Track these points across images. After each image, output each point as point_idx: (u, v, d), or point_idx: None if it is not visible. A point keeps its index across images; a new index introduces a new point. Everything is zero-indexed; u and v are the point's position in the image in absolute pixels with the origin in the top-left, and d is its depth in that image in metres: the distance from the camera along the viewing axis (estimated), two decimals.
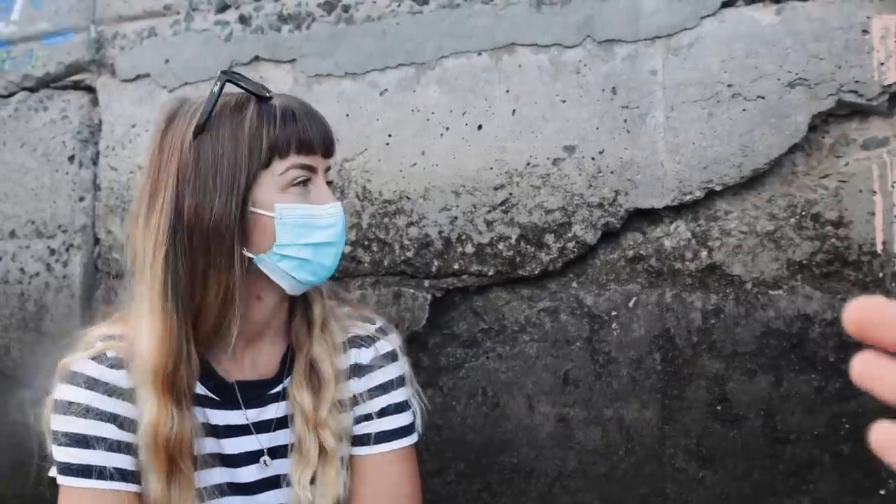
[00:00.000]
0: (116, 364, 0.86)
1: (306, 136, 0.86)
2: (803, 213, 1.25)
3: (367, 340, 1.01)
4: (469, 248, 1.44)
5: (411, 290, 1.48)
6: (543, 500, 1.40)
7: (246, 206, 0.84)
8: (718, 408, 1.29)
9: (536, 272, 1.39)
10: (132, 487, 0.84)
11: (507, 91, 1.42)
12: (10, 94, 1.95)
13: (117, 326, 0.90)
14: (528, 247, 1.40)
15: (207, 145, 0.84)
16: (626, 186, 1.34)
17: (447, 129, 1.46)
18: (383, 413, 1.00)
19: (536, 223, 1.40)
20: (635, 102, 1.33)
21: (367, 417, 0.99)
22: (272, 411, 0.95)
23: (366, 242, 1.52)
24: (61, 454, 0.84)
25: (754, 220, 1.27)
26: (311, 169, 0.87)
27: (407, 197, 1.49)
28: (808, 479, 1.24)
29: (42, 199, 1.88)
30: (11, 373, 1.89)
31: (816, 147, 1.24)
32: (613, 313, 1.35)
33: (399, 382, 1.02)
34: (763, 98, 1.25)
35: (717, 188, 1.28)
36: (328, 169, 0.92)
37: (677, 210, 1.31)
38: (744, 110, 1.26)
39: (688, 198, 1.29)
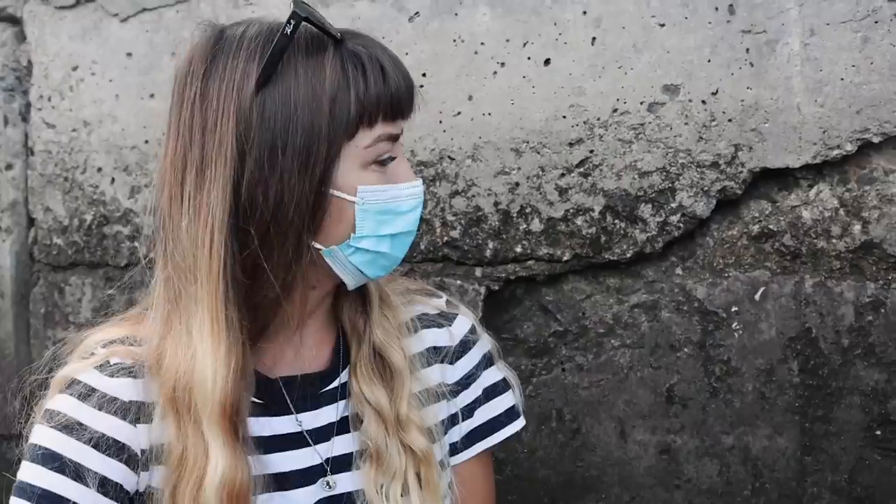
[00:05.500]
0: (121, 373, 0.82)
1: (398, 97, 0.78)
2: None
3: (440, 319, 0.97)
4: (536, 225, 1.29)
5: (458, 282, 1.34)
6: None
7: (323, 186, 0.76)
8: (878, 432, 1.14)
9: (628, 255, 1.24)
10: None
11: (584, 13, 1.24)
12: None
13: (124, 328, 0.86)
14: (617, 221, 1.25)
15: (276, 103, 0.75)
16: (749, 139, 1.17)
17: (502, 65, 1.29)
18: (478, 404, 0.95)
19: (627, 190, 1.24)
20: (761, 25, 1.15)
21: (465, 414, 0.95)
22: (329, 414, 0.88)
23: None
24: (27, 472, 0.78)
25: None
26: (397, 139, 0.82)
27: (449, 157, 1.33)
28: None
29: None
30: None
31: None
32: (734, 309, 1.21)
33: (488, 361, 0.98)
34: None
35: (875, 139, 1.11)
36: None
37: (819, 170, 1.16)
38: None
39: (834, 153, 1.13)
